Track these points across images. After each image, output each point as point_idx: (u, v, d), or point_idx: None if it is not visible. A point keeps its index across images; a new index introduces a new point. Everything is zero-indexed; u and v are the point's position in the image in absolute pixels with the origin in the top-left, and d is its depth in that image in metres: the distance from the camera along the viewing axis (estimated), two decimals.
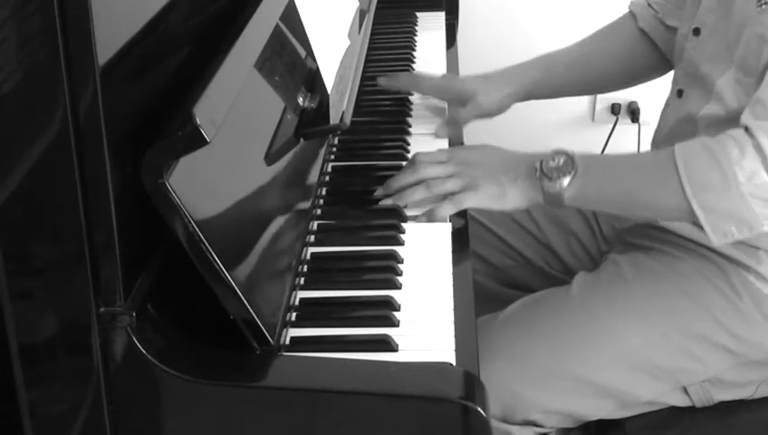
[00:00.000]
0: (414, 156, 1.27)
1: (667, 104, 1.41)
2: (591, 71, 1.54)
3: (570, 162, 1.18)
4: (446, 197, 1.22)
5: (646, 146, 1.51)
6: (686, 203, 1.13)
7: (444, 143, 1.43)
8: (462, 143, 1.46)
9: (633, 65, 1.52)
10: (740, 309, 1.26)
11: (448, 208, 1.21)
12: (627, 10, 1.52)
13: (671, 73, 1.47)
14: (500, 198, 1.21)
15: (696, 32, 1.30)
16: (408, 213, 1.22)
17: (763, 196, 1.10)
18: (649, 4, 1.48)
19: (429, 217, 1.21)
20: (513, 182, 1.21)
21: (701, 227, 1.14)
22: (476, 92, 1.48)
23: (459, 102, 1.50)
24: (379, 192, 1.25)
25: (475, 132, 1.63)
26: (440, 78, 1.55)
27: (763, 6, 1.17)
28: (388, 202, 1.24)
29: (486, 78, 1.51)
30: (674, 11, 1.43)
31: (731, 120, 1.19)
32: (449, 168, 1.23)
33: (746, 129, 1.12)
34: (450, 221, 1.21)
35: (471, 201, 1.21)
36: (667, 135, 1.36)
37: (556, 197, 1.18)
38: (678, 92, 1.34)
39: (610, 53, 1.52)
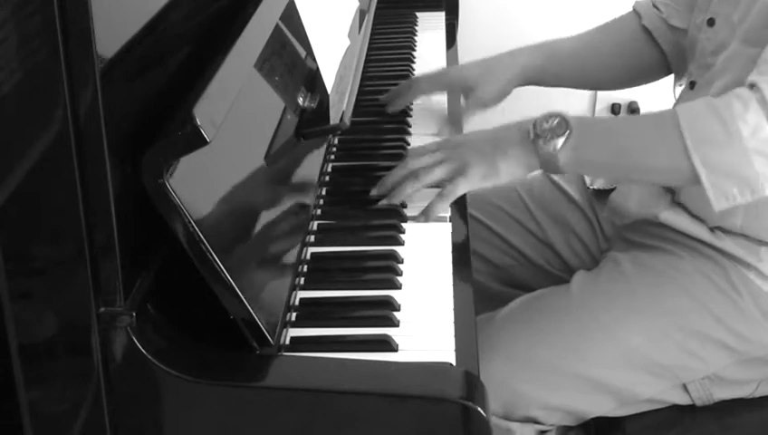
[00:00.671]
0: (407, 151, 1.26)
1: (679, 99, 1.39)
2: (591, 62, 1.52)
3: (563, 123, 1.16)
4: (440, 191, 1.20)
5: None
6: (687, 160, 1.10)
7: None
8: None
9: (633, 63, 1.51)
10: (740, 306, 1.27)
11: (441, 203, 1.20)
12: (627, 10, 1.52)
13: (671, 76, 1.47)
14: (492, 174, 1.19)
15: (711, 22, 1.29)
16: (408, 214, 1.22)
17: (766, 151, 1.08)
18: (654, 5, 1.47)
19: (427, 215, 1.20)
20: (503, 154, 1.18)
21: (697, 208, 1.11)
22: (476, 83, 1.47)
23: (460, 91, 1.49)
24: (373, 192, 1.24)
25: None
26: (437, 74, 1.53)
27: None
28: (383, 203, 1.23)
29: (486, 65, 1.49)
30: (679, 12, 1.43)
31: None
32: (437, 155, 1.22)
33: (751, 85, 1.11)
34: (450, 221, 1.20)
35: (462, 186, 1.20)
36: None
37: (551, 159, 1.16)
38: (691, 84, 1.33)
39: (612, 48, 1.51)
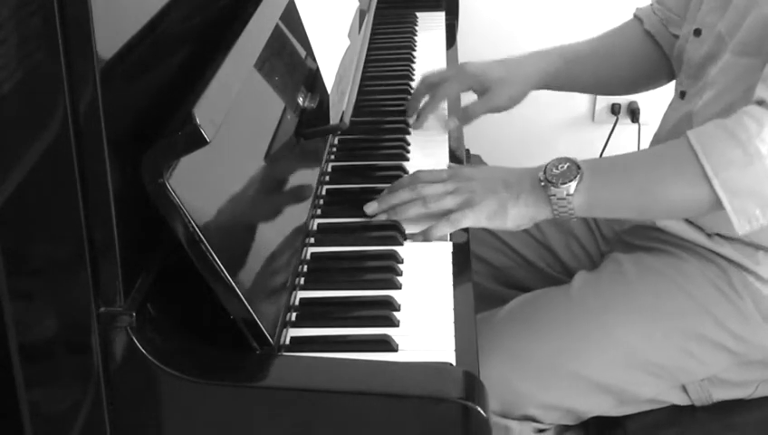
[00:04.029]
0: (414, 173, 1.23)
1: (669, 107, 1.41)
2: (604, 67, 1.52)
3: (574, 167, 1.14)
4: (446, 216, 1.17)
5: (645, 146, 1.51)
6: (707, 187, 1.08)
7: (444, 142, 1.43)
8: (462, 144, 1.46)
9: (642, 67, 1.52)
10: (740, 309, 1.27)
11: (445, 228, 1.16)
12: (627, 9, 1.53)
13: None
14: (499, 215, 1.16)
15: (697, 33, 1.31)
16: (407, 231, 1.18)
17: None
18: (654, 12, 1.49)
19: (426, 236, 1.16)
20: (515, 198, 1.15)
21: (713, 222, 1.11)
22: (495, 85, 1.45)
23: (479, 89, 1.48)
24: (373, 207, 1.20)
25: (476, 131, 1.63)
26: (457, 75, 1.50)
27: None
28: (382, 217, 1.19)
29: (507, 68, 1.47)
30: (675, 20, 1.44)
31: (724, 109, 1.18)
32: (448, 185, 1.18)
33: (761, 102, 1.10)
34: (450, 240, 1.17)
35: (469, 220, 1.16)
36: (667, 135, 1.36)
37: (565, 204, 1.13)
38: (681, 94, 1.34)
39: (622, 52, 1.52)
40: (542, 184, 1.14)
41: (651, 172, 1.15)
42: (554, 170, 1.14)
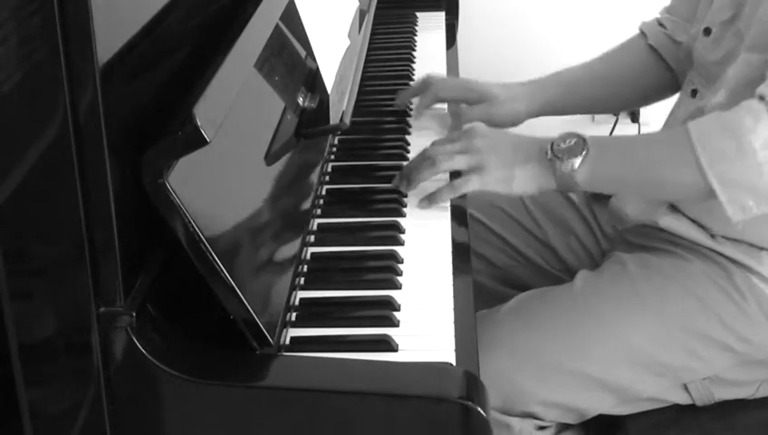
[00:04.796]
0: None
1: (678, 105, 1.40)
2: (603, 90, 1.53)
3: (581, 143, 1.17)
4: (451, 181, 1.21)
5: None
6: (702, 177, 1.11)
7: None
8: None
9: (644, 84, 1.52)
10: (744, 310, 1.27)
11: (451, 193, 1.21)
12: (627, 9, 1.52)
13: None
14: (507, 181, 1.20)
15: (707, 32, 1.30)
16: (410, 198, 1.23)
17: None
18: (660, 23, 1.49)
19: (431, 199, 1.21)
20: (523, 165, 1.19)
21: (714, 209, 1.11)
22: (496, 102, 1.47)
23: (476, 102, 1.49)
24: (395, 181, 1.25)
25: None
26: (459, 84, 1.52)
27: None
28: (402, 189, 1.24)
29: (510, 93, 1.49)
30: (683, 25, 1.44)
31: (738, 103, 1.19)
32: (457, 145, 1.22)
33: (761, 97, 1.12)
34: (450, 212, 1.20)
35: (475, 183, 1.20)
36: None
37: (568, 179, 1.17)
38: (693, 92, 1.34)
39: (621, 74, 1.52)
40: (549, 157, 1.17)
41: (654, 156, 1.19)
42: (561, 145, 1.18)
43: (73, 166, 0.78)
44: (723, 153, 1.11)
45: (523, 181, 1.20)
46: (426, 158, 1.23)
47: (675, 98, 1.46)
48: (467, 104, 1.50)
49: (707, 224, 1.29)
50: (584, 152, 1.16)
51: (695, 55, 1.33)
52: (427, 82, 1.50)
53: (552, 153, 1.17)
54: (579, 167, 1.17)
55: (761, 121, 1.09)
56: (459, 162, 1.21)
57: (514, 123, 1.49)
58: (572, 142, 1.17)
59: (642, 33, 1.51)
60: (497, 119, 1.48)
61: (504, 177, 1.20)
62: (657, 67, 1.49)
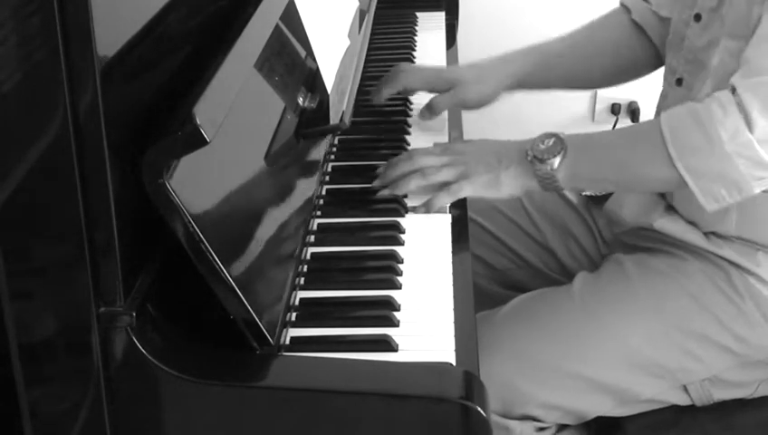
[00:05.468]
0: (409, 151, 1.30)
1: (663, 96, 1.39)
2: (579, 63, 1.52)
3: (559, 142, 1.20)
4: (442, 187, 1.23)
5: None
6: (675, 170, 1.14)
7: (444, 139, 1.43)
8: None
9: (623, 59, 1.50)
10: (742, 310, 1.27)
11: (445, 198, 1.22)
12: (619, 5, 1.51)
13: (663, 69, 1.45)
14: (494, 185, 1.23)
15: (698, 17, 1.29)
16: (408, 204, 1.23)
17: (747, 154, 1.11)
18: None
19: (428, 207, 1.22)
20: (506, 169, 1.22)
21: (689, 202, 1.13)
22: (466, 84, 1.46)
23: (444, 88, 1.47)
24: (376, 183, 1.26)
25: (476, 131, 1.63)
26: (428, 71, 1.53)
27: None
28: (385, 193, 1.25)
29: (478, 70, 1.48)
30: (667, 2, 1.42)
31: None
32: (443, 158, 1.25)
33: (732, 89, 1.13)
34: (450, 212, 1.22)
35: (467, 189, 1.22)
36: None
37: (549, 179, 1.20)
38: (678, 81, 1.33)
39: (600, 46, 1.50)
40: (529, 159, 1.21)
41: (629, 151, 1.21)
42: (540, 146, 1.21)
43: (73, 166, 0.78)
44: (691, 144, 1.13)
45: (508, 184, 1.23)
46: (413, 168, 1.24)
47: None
48: (437, 93, 1.48)
49: (702, 223, 1.29)
50: (562, 152, 1.19)
51: (685, 43, 1.32)
52: (397, 71, 1.50)
53: (532, 155, 1.20)
54: (558, 166, 1.19)
55: (729, 113, 1.11)
56: (447, 174, 1.23)
57: (483, 103, 1.48)
58: (551, 143, 1.20)
59: (625, 8, 1.49)
60: (467, 102, 1.47)
61: (490, 181, 1.22)
62: (639, 43, 1.48)
